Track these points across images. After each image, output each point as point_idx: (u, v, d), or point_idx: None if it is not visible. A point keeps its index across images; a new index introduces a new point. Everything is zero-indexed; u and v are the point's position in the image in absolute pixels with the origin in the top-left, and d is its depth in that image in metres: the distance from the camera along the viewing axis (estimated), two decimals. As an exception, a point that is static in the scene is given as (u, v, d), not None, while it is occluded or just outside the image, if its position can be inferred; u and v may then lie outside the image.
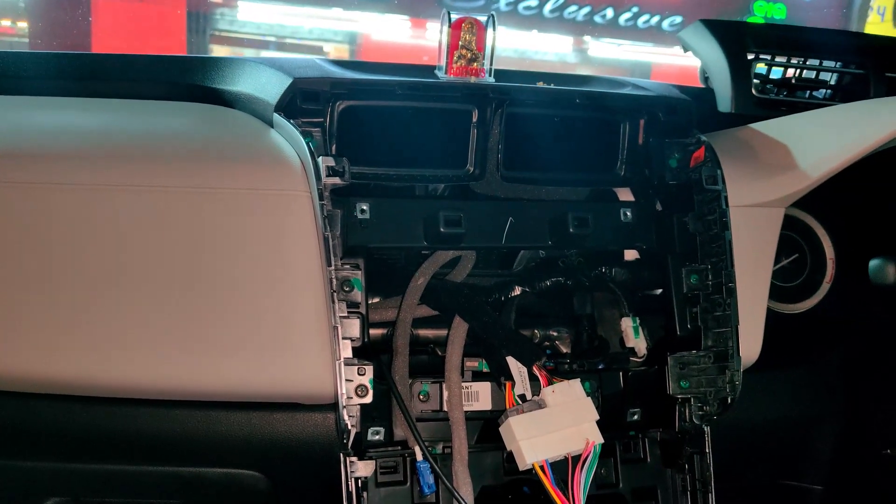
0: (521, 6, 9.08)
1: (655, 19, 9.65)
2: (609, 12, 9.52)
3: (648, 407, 1.17)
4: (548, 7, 9.20)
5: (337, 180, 1.00)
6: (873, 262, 1.20)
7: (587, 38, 9.78)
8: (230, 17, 9.25)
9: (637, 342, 1.18)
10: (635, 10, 9.59)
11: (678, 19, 9.72)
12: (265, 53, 9.72)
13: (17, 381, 0.99)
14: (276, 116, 1.10)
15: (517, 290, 1.18)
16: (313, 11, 9.08)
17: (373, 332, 1.09)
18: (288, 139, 1.08)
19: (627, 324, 1.18)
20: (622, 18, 9.60)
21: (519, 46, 9.29)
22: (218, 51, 9.40)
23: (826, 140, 1.15)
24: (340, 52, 9.48)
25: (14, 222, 0.96)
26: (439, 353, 1.12)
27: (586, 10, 9.39)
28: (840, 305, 1.43)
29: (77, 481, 1.12)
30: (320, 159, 1.00)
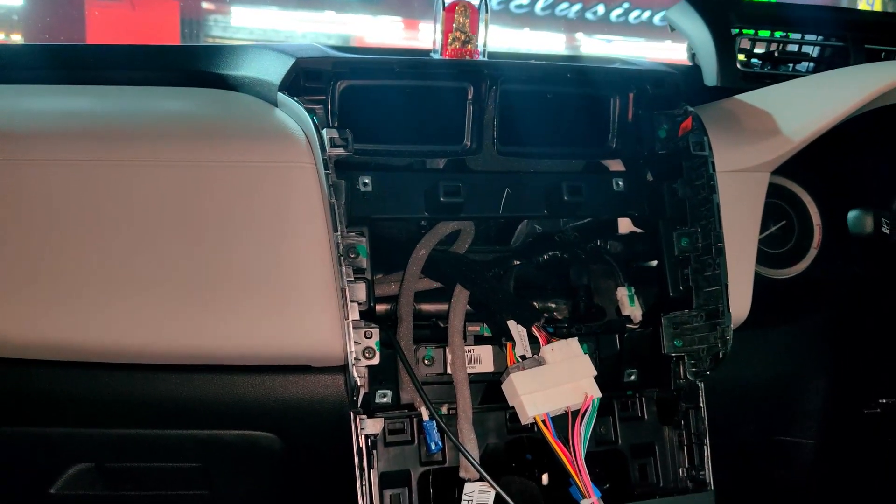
0: (512, 4, 9.12)
1: (646, 14, 9.69)
2: (600, 9, 9.56)
3: (644, 367, 1.21)
4: (539, 5, 9.25)
5: (341, 151, 1.04)
6: (852, 214, 1.24)
7: (579, 34, 9.81)
8: (223, 24, 9.28)
9: (633, 310, 1.22)
10: (626, 5, 9.63)
11: (669, 14, 9.77)
12: (259, 58, 9.75)
13: (40, 350, 1.03)
14: (280, 95, 1.14)
15: (516, 264, 1.23)
16: (306, 15, 9.11)
17: (377, 307, 1.13)
18: (292, 116, 1.12)
19: (623, 293, 1.22)
20: (613, 14, 9.63)
21: (511, 45, 9.34)
22: (212, 57, 9.43)
23: (806, 106, 1.19)
24: (334, 55, 9.49)
25: (43, 198, 1.01)
26: (441, 326, 1.15)
27: (577, 6, 9.43)
28: (828, 269, 1.47)
29: (100, 447, 1.16)
30: (324, 131, 1.04)
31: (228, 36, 9.31)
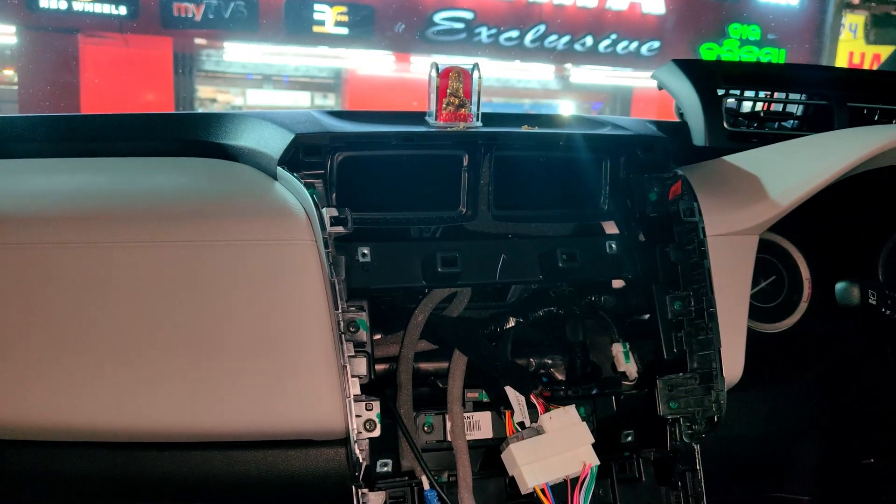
0: (502, 38, 9.26)
1: (634, 45, 9.85)
2: (588, 40, 9.72)
3: (641, 428, 1.23)
4: (528, 37, 9.38)
5: (340, 229, 1.06)
6: (839, 286, 1.26)
7: (568, 65, 9.95)
8: (216, 58, 9.38)
9: (628, 366, 1.24)
10: (614, 36, 9.78)
11: (656, 45, 9.94)
12: (252, 91, 9.83)
13: (45, 430, 1.04)
14: (279, 170, 1.16)
15: (511, 322, 1.24)
16: (299, 50, 9.21)
17: (377, 367, 1.15)
18: (292, 191, 1.14)
19: (618, 349, 1.25)
20: (601, 46, 9.79)
21: (502, 76, 9.45)
22: (204, 90, 9.51)
23: (794, 170, 1.22)
24: (326, 83, 9.59)
25: (40, 280, 1.02)
26: (440, 385, 1.17)
27: (566, 38, 9.58)
28: (818, 323, 1.50)
29: None
30: (324, 210, 1.06)
31: (221, 70, 9.40)
